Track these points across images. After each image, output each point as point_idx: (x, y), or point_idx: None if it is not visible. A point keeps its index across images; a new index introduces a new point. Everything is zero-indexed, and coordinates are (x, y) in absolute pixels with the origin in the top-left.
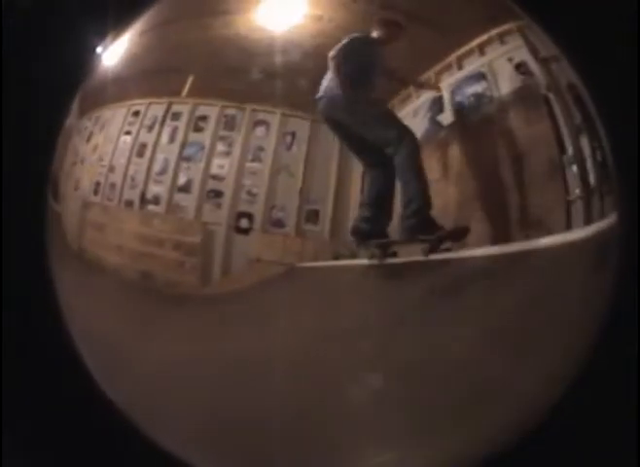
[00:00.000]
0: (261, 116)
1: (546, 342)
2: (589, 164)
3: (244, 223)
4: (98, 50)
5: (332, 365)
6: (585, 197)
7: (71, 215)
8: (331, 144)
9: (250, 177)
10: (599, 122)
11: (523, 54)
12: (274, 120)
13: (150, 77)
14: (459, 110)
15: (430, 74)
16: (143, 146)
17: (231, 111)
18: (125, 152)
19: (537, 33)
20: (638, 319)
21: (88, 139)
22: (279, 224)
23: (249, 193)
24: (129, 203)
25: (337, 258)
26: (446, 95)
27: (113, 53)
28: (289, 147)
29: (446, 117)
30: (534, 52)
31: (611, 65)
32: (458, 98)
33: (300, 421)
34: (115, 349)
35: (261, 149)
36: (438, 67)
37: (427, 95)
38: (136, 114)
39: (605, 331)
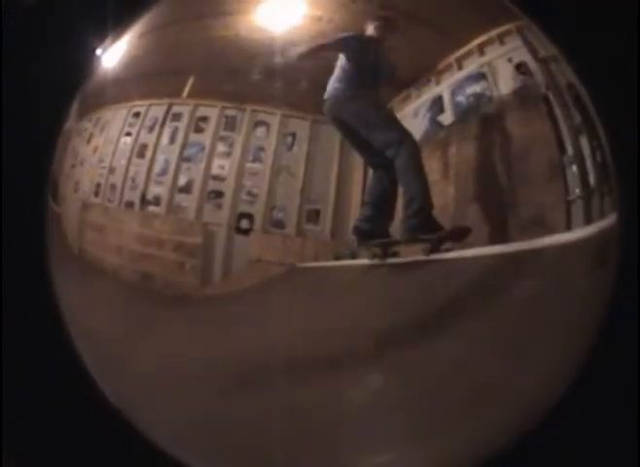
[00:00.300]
0: (261, 116)
1: (546, 342)
2: (589, 164)
3: (245, 223)
4: (98, 51)
5: (332, 365)
6: (584, 197)
7: (71, 216)
8: (331, 144)
9: (250, 178)
10: (599, 122)
11: (523, 55)
12: (275, 120)
13: (150, 78)
14: (459, 110)
15: (429, 75)
16: (144, 147)
17: (231, 112)
18: (126, 153)
19: (536, 34)
20: (638, 319)
21: (89, 141)
22: (280, 224)
23: (250, 193)
24: (130, 204)
25: (337, 258)
26: (447, 95)
27: (113, 55)
28: (289, 147)
29: (447, 117)
30: (533, 52)
31: (611, 65)
32: (458, 98)
33: (300, 422)
34: (115, 350)
35: (261, 149)
36: (438, 67)
37: (427, 95)
38: (137, 115)
39: (605, 331)
